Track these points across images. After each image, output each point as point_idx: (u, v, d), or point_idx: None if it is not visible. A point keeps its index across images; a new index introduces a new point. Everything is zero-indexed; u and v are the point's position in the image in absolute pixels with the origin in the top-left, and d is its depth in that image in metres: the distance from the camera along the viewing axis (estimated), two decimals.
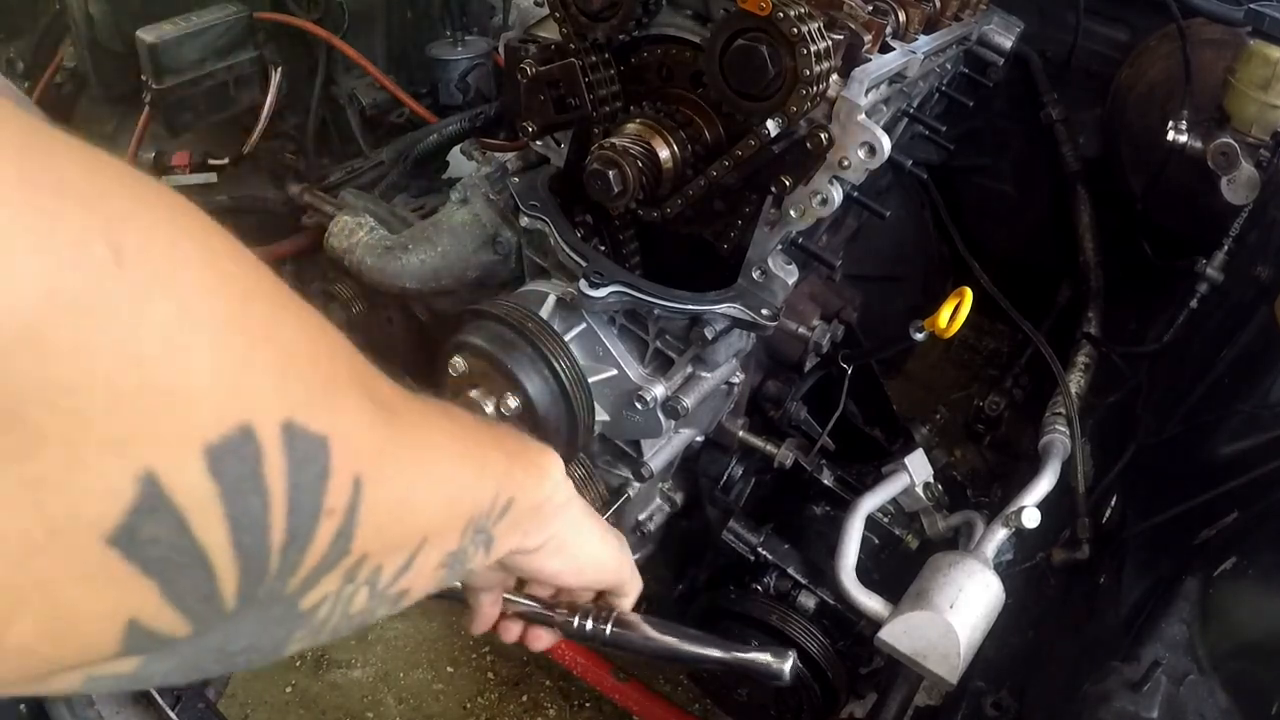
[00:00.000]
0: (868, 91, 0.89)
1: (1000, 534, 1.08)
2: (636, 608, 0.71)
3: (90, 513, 0.27)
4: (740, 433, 1.18)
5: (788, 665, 0.69)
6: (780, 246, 1.00)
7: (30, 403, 0.25)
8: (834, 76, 0.90)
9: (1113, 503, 1.23)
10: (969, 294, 1.04)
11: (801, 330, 1.10)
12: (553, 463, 0.56)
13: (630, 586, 0.70)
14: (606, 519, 1.08)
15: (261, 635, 0.34)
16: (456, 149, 1.51)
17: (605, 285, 0.96)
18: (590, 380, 0.99)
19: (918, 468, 1.15)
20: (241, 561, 0.31)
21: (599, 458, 1.13)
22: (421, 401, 0.43)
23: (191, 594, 0.30)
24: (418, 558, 0.41)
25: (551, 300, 1.02)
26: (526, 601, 0.68)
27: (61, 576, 0.27)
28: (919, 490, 1.15)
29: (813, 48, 0.82)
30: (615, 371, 1.04)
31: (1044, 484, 1.13)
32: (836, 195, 0.92)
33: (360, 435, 0.35)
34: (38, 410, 0.25)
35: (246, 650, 0.34)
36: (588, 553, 0.62)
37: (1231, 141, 1.17)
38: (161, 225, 0.29)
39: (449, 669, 1.70)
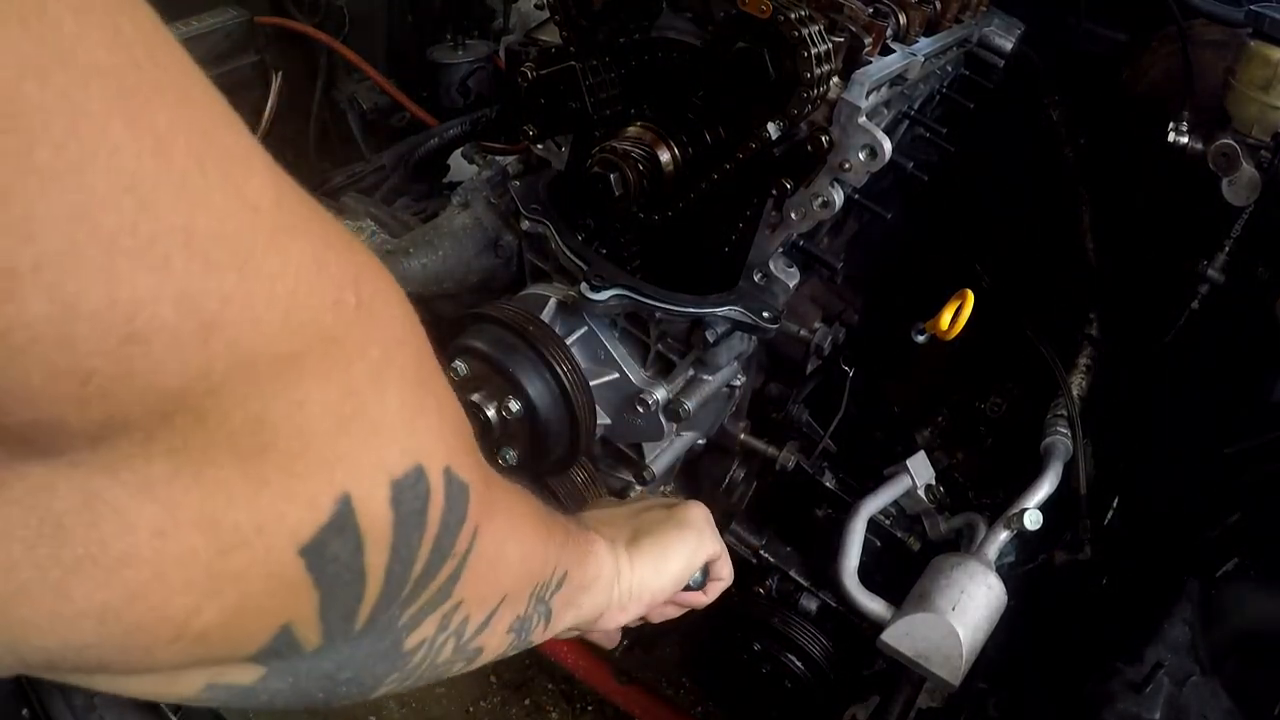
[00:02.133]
0: (868, 94, 0.90)
1: (1002, 535, 1.08)
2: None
3: (293, 521, 0.29)
4: (742, 435, 1.18)
5: None
6: (781, 249, 1.00)
7: (273, 411, 0.28)
8: (834, 79, 0.90)
9: (1114, 504, 1.23)
10: (970, 296, 1.04)
11: (803, 333, 1.10)
12: (594, 541, 0.61)
13: (716, 570, 0.78)
14: None
15: (366, 668, 0.37)
16: (457, 152, 1.51)
17: (606, 288, 0.97)
18: (592, 383, 0.99)
19: (919, 470, 1.15)
20: (385, 586, 0.34)
21: (601, 461, 1.13)
22: (500, 475, 0.47)
23: (339, 609, 0.33)
24: (494, 616, 0.45)
25: (553, 303, 1.02)
26: None
27: (255, 574, 0.29)
28: (920, 492, 1.15)
29: (814, 51, 0.82)
30: (617, 374, 1.04)
31: (1046, 485, 1.13)
32: (837, 197, 0.93)
33: (483, 490, 0.39)
34: (276, 419, 0.28)
35: (349, 682, 0.37)
36: (656, 588, 0.68)
37: (1232, 143, 1.17)
38: (380, 280, 0.33)
39: None
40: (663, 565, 0.68)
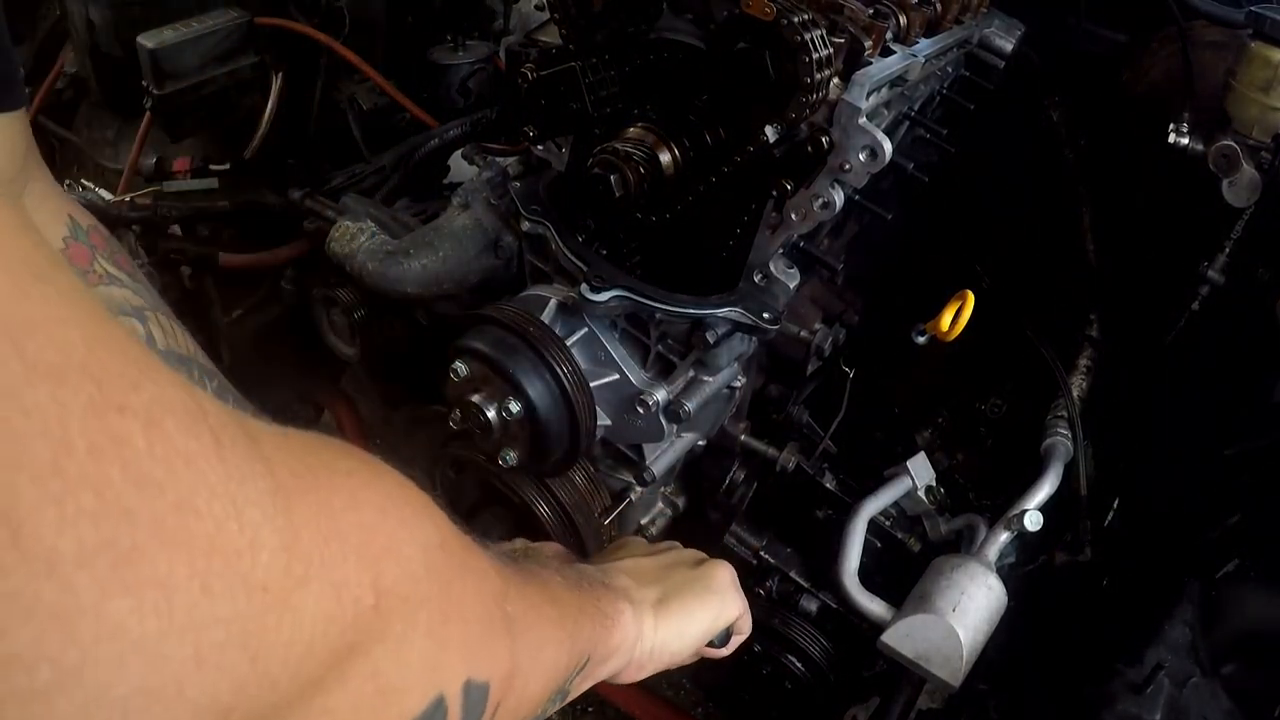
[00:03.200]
0: (869, 95, 0.90)
1: (1002, 537, 1.08)
2: None
3: None
4: (742, 436, 1.18)
5: None
6: (782, 250, 1.00)
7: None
8: (835, 80, 0.90)
9: (1115, 505, 1.23)
10: (971, 297, 1.04)
11: (803, 334, 1.10)
12: (621, 611, 0.64)
13: (738, 626, 0.81)
14: (608, 524, 1.09)
15: None
16: (457, 153, 1.51)
17: (607, 289, 0.97)
18: (592, 384, 0.99)
19: (919, 471, 1.15)
20: None
21: (601, 462, 1.13)
22: (530, 586, 0.50)
23: None
24: None
25: (553, 304, 1.02)
26: None
27: None
28: (921, 493, 1.15)
29: (815, 55, 0.82)
30: (617, 376, 1.04)
31: (1046, 487, 1.13)
32: (838, 198, 0.93)
33: (503, 668, 0.42)
34: None
35: None
36: (676, 650, 0.71)
37: (1232, 144, 1.17)
38: (405, 550, 0.35)
39: None
40: (685, 629, 0.71)
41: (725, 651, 0.83)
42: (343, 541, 0.31)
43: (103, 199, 1.42)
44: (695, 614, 0.73)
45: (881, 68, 0.95)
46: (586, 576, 0.65)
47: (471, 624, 0.40)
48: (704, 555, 0.83)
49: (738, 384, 1.11)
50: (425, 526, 0.38)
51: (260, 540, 0.27)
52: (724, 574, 0.79)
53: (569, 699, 0.56)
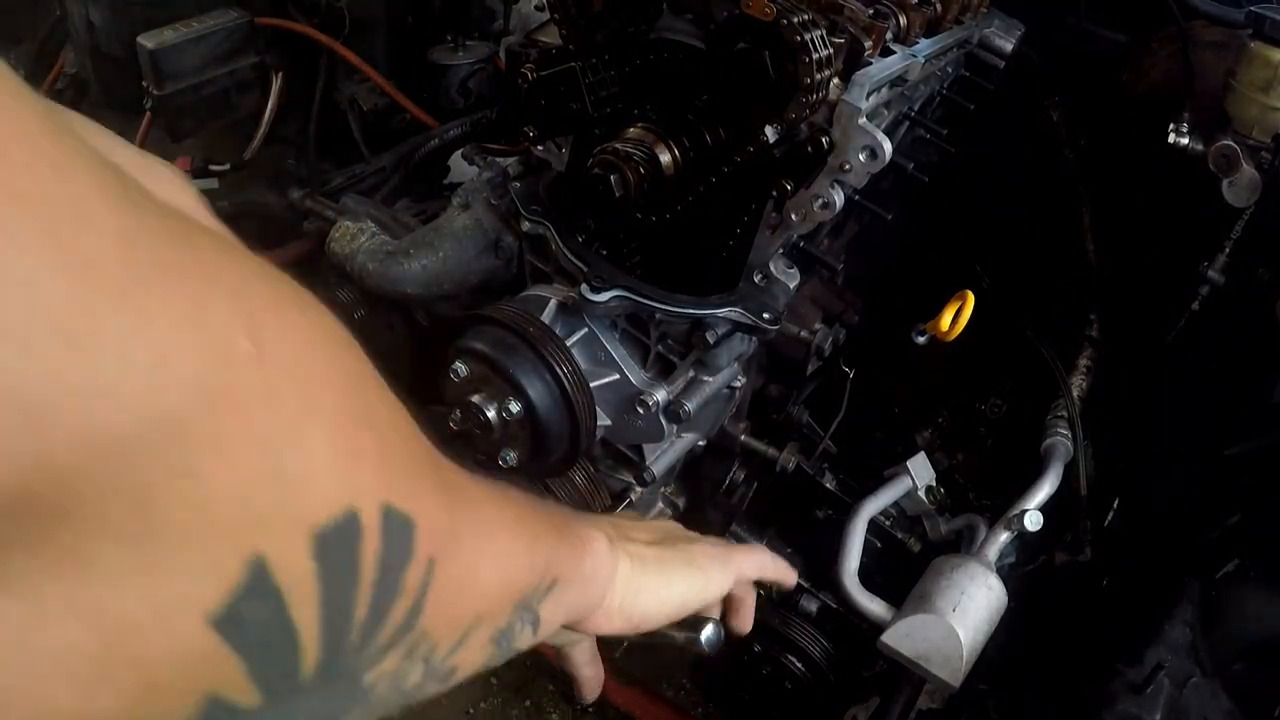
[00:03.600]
0: (869, 95, 0.90)
1: (1002, 537, 1.08)
2: None
3: (196, 595, 0.27)
4: (742, 436, 1.18)
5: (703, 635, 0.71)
6: (782, 250, 1.00)
7: (157, 489, 0.25)
8: (835, 80, 0.90)
9: (1115, 505, 1.23)
10: (971, 297, 1.04)
11: (803, 334, 1.10)
12: (595, 538, 0.58)
13: (733, 596, 0.73)
14: None
15: (321, 710, 0.34)
16: (458, 154, 1.51)
17: (607, 289, 0.97)
18: (592, 385, 0.99)
19: (920, 471, 1.15)
20: (325, 639, 0.31)
21: (601, 462, 1.13)
22: (475, 479, 0.44)
23: (273, 670, 0.30)
24: (470, 635, 0.41)
25: (553, 305, 1.02)
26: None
27: (157, 656, 0.26)
28: (921, 493, 1.16)
29: (815, 55, 0.82)
30: (617, 376, 1.04)
31: (1046, 487, 1.13)
32: (838, 199, 0.93)
33: (437, 516, 0.36)
34: (163, 496, 0.25)
35: None
36: (648, 610, 0.64)
37: (1232, 144, 1.17)
38: (293, 316, 0.30)
39: None
40: (661, 591, 0.66)
41: (738, 630, 0.77)
42: (205, 273, 0.26)
43: None
44: (674, 578, 0.67)
45: (881, 68, 0.95)
46: (559, 508, 0.60)
47: (392, 443, 0.35)
48: (699, 535, 0.76)
49: (738, 384, 1.11)
50: (325, 314, 0.33)
51: (89, 209, 0.23)
52: (712, 551, 0.73)
53: (542, 630, 0.51)
